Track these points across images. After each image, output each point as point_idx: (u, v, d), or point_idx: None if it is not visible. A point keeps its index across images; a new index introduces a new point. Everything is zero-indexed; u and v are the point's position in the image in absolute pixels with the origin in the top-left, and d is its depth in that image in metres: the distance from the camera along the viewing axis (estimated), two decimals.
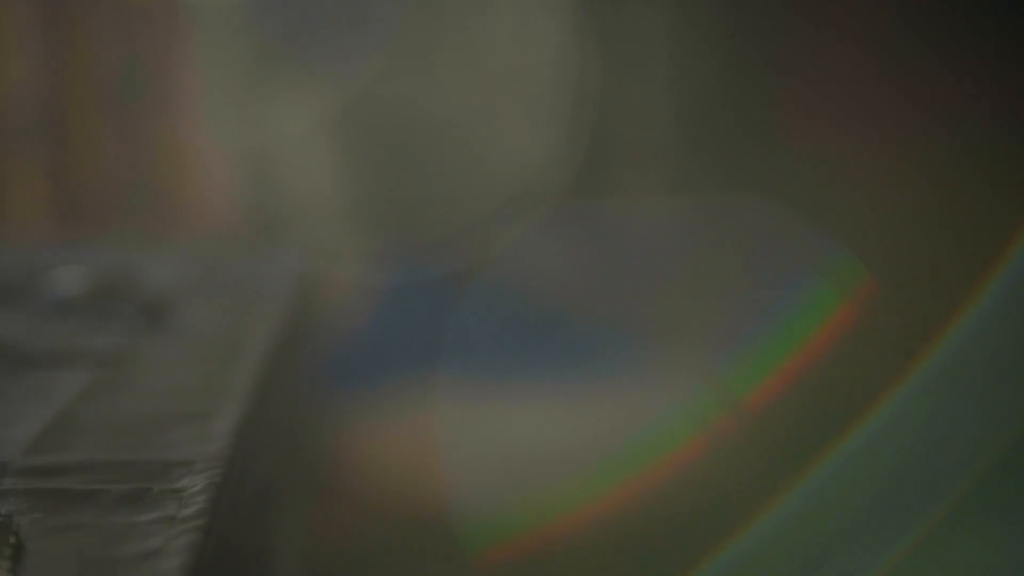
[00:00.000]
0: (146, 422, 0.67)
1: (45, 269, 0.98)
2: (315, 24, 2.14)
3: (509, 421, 1.47)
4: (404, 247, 2.03)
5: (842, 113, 2.01)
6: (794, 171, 1.97)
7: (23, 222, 2.11)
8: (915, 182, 1.77)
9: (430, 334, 1.56)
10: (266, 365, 0.79)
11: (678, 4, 2.13)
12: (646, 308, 1.78)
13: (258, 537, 0.68)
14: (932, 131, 1.88)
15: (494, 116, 2.15)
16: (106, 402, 0.70)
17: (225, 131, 2.16)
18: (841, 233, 1.66)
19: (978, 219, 1.57)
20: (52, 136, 2.14)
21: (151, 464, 0.60)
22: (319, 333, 1.06)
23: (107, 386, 0.74)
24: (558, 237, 2.05)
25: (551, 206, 2.14)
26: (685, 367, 1.38)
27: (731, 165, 2.08)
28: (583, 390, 1.50)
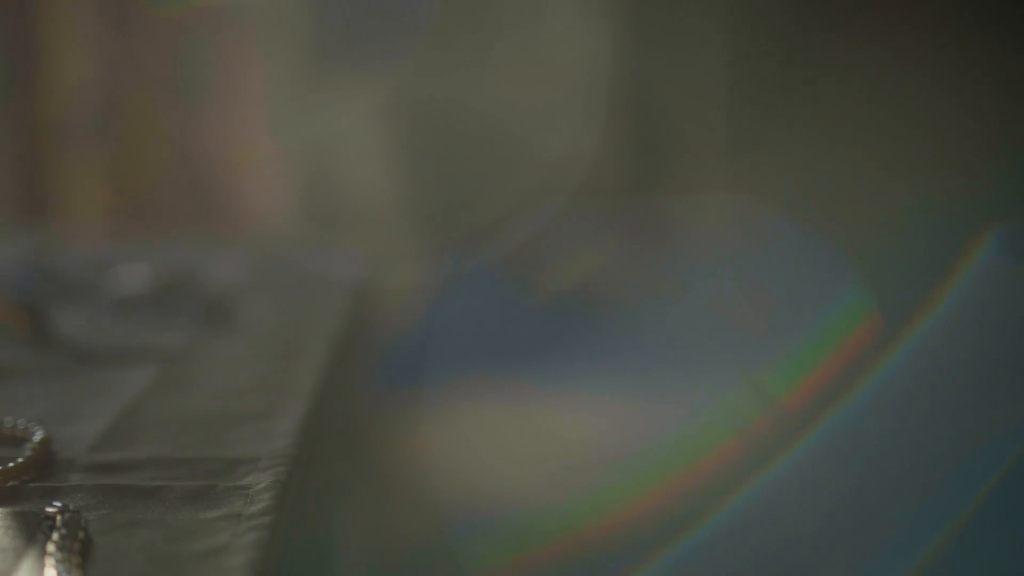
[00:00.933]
0: (210, 420, 0.67)
1: (110, 267, 0.99)
2: (372, 26, 2.15)
3: (551, 421, 1.47)
4: (458, 245, 2.03)
5: (888, 116, 2.00)
6: (843, 170, 1.96)
7: (85, 219, 2.13)
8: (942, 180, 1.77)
9: (482, 332, 1.56)
10: (327, 364, 0.79)
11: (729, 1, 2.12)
12: (689, 305, 1.78)
13: (320, 534, 0.69)
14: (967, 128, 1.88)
15: (546, 114, 2.15)
16: (171, 400, 0.71)
17: (284, 130, 2.17)
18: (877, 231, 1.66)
19: None
20: (114, 135, 2.16)
21: (216, 461, 0.60)
22: (377, 331, 1.06)
23: (171, 384, 0.74)
24: (607, 234, 2.04)
25: (600, 203, 2.13)
26: (724, 366, 1.38)
27: (779, 163, 2.07)
28: (625, 389, 1.50)
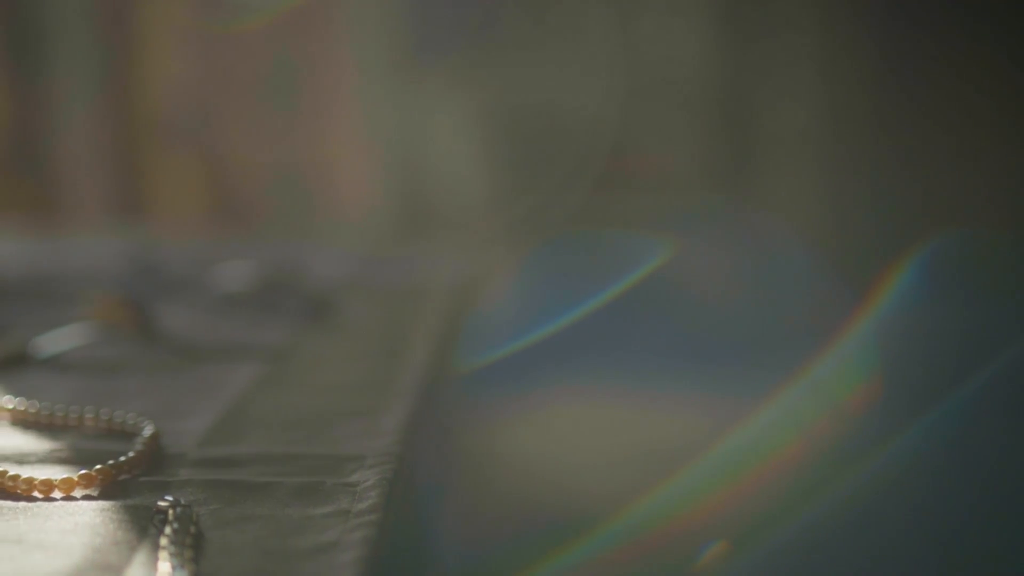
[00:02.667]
0: (315, 417, 0.68)
1: (213, 264, 1.00)
2: (464, 28, 2.16)
3: (637, 419, 1.47)
4: (550, 246, 2.03)
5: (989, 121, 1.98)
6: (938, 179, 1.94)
7: (178, 217, 2.16)
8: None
9: (570, 331, 1.56)
10: (429, 362, 0.79)
11: (823, 6, 2.10)
12: (767, 306, 1.77)
13: (424, 532, 0.69)
14: None
15: (638, 115, 2.14)
16: (276, 396, 0.72)
17: (376, 130, 2.18)
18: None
19: None
20: (206, 134, 2.18)
21: (323, 458, 0.61)
22: (472, 330, 1.06)
23: (276, 381, 0.75)
24: (694, 233, 2.03)
25: (689, 203, 2.12)
26: (789, 369, 1.37)
27: (873, 170, 2.05)
28: (707, 387, 1.50)
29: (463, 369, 1.02)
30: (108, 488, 0.57)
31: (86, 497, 0.56)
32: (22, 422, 0.66)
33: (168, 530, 0.51)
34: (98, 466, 0.57)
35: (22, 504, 0.55)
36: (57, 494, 0.56)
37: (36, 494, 0.56)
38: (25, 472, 0.57)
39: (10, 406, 0.67)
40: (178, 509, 0.53)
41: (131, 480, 0.58)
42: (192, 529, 0.52)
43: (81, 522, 0.53)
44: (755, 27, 2.10)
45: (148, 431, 0.62)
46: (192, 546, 0.51)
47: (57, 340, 0.79)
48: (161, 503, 0.54)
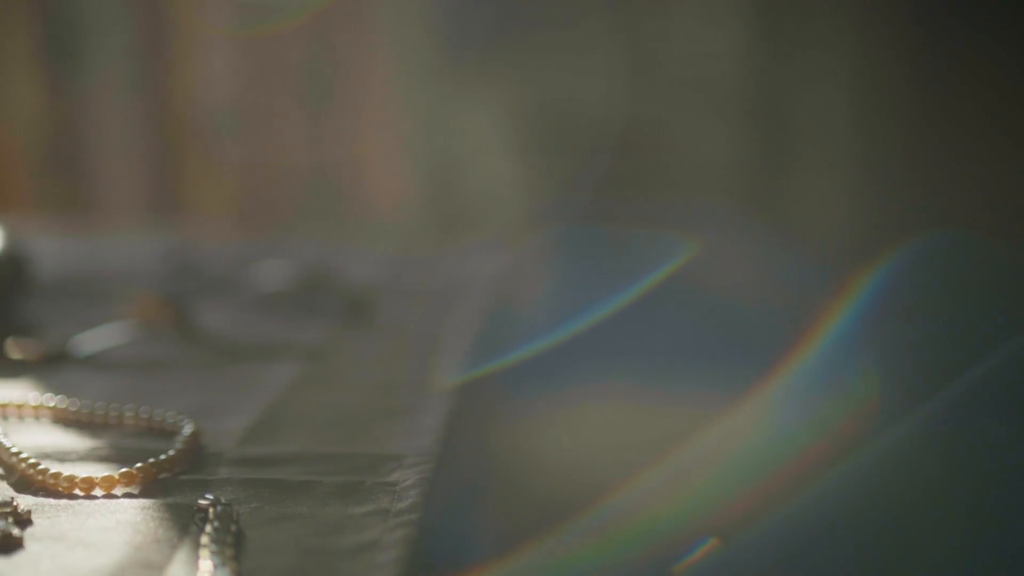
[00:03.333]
0: (354, 416, 0.68)
1: (251, 263, 1.00)
2: (497, 25, 2.15)
3: (671, 419, 1.47)
4: (580, 244, 2.02)
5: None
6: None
7: (213, 216, 2.16)
8: None
9: (606, 331, 1.56)
10: (466, 361, 0.79)
11: (860, 10, 2.10)
12: (803, 308, 1.77)
13: (462, 532, 0.69)
14: None
15: (675, 116, 2.14)
16: (314, 395, 0.72)
17: (409, 129, 2.18)
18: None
19: None
20: (242, 133, 2.19)
21: (362, 457, 0.61)
22: (508, 327, 1.06)
23: (314, 380, 0.75)
24: (730, 234, 2.03)
25: (725, 204, 2.12)
26: (809, 371, 1.37)
27: (911, 175, 2.04)
28: (739, 388, 1.50)
29: (498, 367, 1.02)
30: (149, 486, 0.57)
31: (127, 495, 0.56)
32: (63, 420, 0.67)
33: (209, 528, 0.51)
34: (139, 464, 0.58)
35: (63, 502, 0.56)
36: (98, 492, 0.57)
37: (77, 492, 0.56)
38: (66, 470, 0.58)
39: (51, 404, 0.67)
40: (219, 507, 0.53)
41: (171, 478, 0.58)
42: (233, 528, 0.52)
43: (122, 520, 0.54)
44: (789, 26, 2.09)
45: (188, 429, 0.62)
46: (233, 544, 0.51)
47: (96, 338, 0.80)
48: (202, 501, 0.54)
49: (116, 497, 0.56)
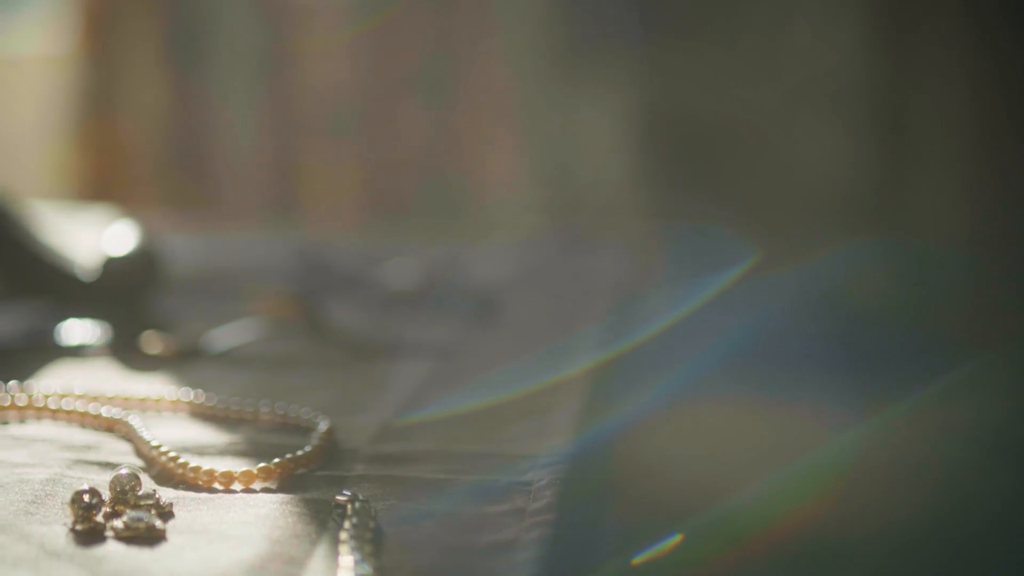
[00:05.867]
0: (486, 415, 0.68)
1: (379, 262, 1.01)
2: (617, 25, 2.15)
3: (785, 427, 1.46)
4: (704, 248, 2.01)
5: None
6: None
7: (334, 214, 2.18)
8: None
9: (726, 336, 1.55)
10: (596, 362, 0.79)
11: (980, 9, 2.06)
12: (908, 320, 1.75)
13: (594, 532, 0.69)
14: None
15: (789, 120, 2.12)
16: (446, 394, 0.72)
17: (527, 128, 2.18)
18: None
19: None
20: (362, 132, 2.20)
21: (496, 456, 0.61)
22: (632, 325, 1.06)
23: (445, 378, 0.75)
24: (846, 242, 2.01)
25: (847, 213, 2.09)
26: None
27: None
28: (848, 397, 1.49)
29: (623, 366, 1.01)
30: (286, 481, 0.58)
31: (265, 490, 0.57)
32: (200, 415, 0.68)
33: (347, 524, 0.52)
34: (276, 460, 0.58)
35: (203, 495, 0.56)
36: (237, 486, 0.57)
37: (217, 486, 0.57)
38: (205, 464, 0.58)
39: (188, 399, 0.68)
40: (357, 504, 0.53)
41: (308, 474, 0.59)
42: (371, 524, 0.52)
43: (261, 514, 0.54)
44: (908, 26, 2.06)
45: (323, 426, 0.63)
46: (372, 541, 0.51)
47: (229, 335, 0.81)
48: (339, 497, 0.54)
49: (254, 492, 0.57)
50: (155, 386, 0.72)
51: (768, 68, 2.11)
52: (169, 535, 0.52)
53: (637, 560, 0.50)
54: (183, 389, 0.70)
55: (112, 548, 0.51)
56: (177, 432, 0.65)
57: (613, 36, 2.14)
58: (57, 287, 0.90)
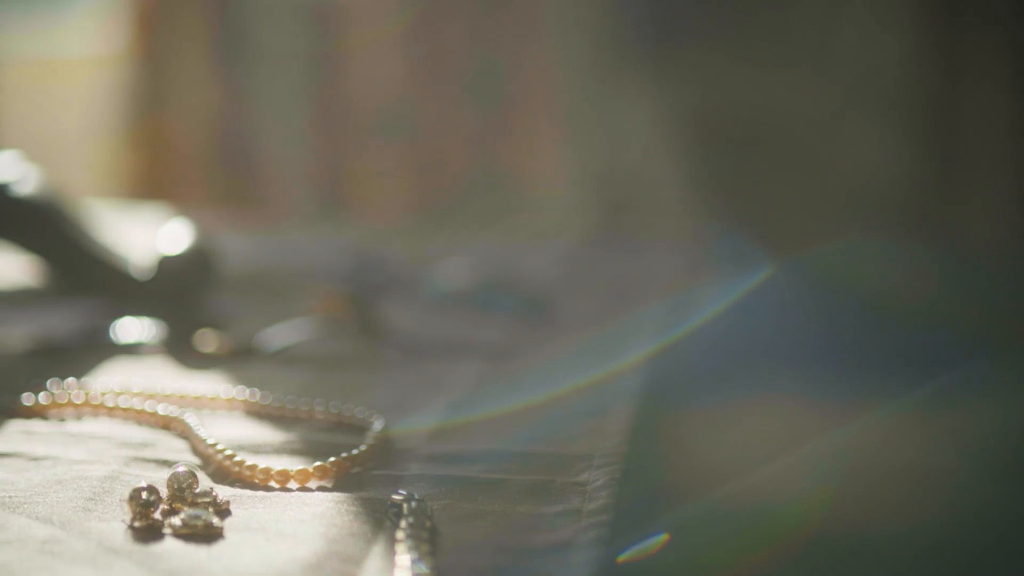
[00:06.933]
0: (540, 415, 0.68)
1: (430, 262, 1.01)
2: (665, 26, 2.14)
3: (838, 432, 1.46)
4: (749, 250, 2.00)
5: None
6: None
7: (382, 214, 2.19)
8: None
9: (767, 338, 1.54)
10: (648, 363, 0.79)
11: (1020, 16, 2.04)
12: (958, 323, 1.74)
13: (648, 533, 0.69)
14: None
15: (840, 123, 2.11)
16: (499, 394, 0.72)
17: (576, 128, 2.18)
18: None
19: None
20: (410, 133, 2.21)
21: (551, 457, 0.61)
22: (685, 325, 1.06)
23: (499, 378, 0.75)
24: (897, 243, 2.00)
25: (895, 217, 2.08)
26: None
27: None
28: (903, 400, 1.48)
29: (676, 364, 1.01)
30: (342, 480, 0.58)
31: (321, 488, 0.57)
32: (255, 413, 0.68)
33: (404, 524, 0.52)
34: (332, 458, 0.58)
35: (259, 493, 0.57)
36: (293, 484, 0.57)
37: (273, 484, 0.57)
38: (261, 462, 0.58)
39: (243, 397, 0.69)
40: (413, 503, 0.53)
41: (363, 473, 0.59)
42: (427, 524, 0.52)
43: (317, 513, 0.54)
44: (958, 28, 2.05)
45: (379, 425, 0.63)
46: (428, 540, 0.51)
47: (283, 334, 0.81)
48: (395, 496, 0.54)
49: (310, 490, 0.57)
50: (210, 384, 0.73)
51: (817, 69, 2.10)
52: (226, 533, 0.52)
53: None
54: (238, 387, 0.70)
55: (170, 545, 0.51)
56: (233, 430, 0.65)
57: (661, 36, 2.13)
58: (112, 285, 0.90)
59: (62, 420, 0.66)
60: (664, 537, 0.52)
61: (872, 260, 1.89)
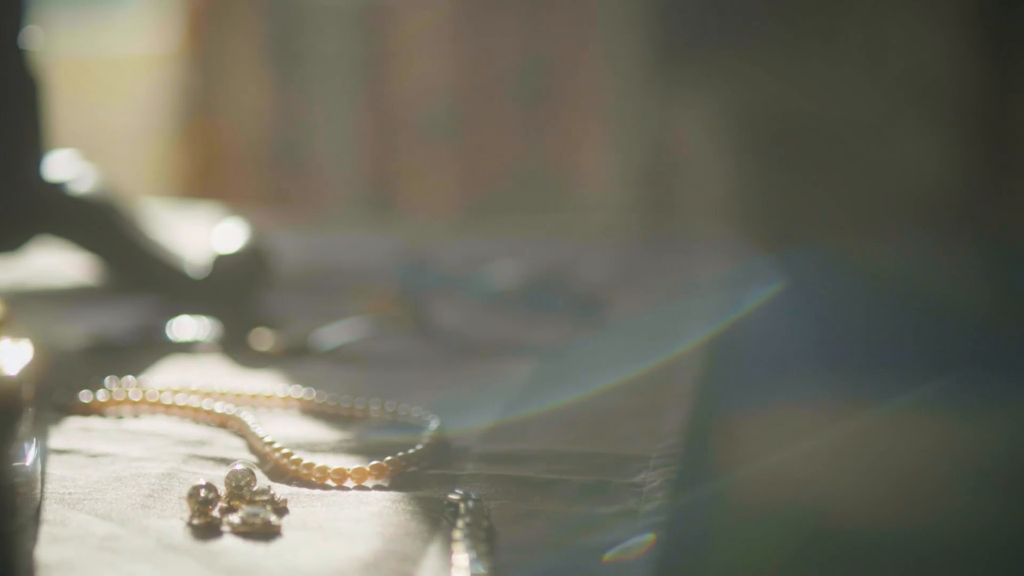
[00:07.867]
0: (594, 415, 0.68)
1: (483, 262, 1.01)
2: (713, 26, 2.14)
3: (887, 436, 1.45)
4: (793, 251, 2.00)
5: None
6: None
7: (431, 214, 2.19)
8: None
9: (814, 341, 1.54)
10: (703, 364, 0.79)
11: None
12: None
13: (702, 535, 0.69)
14: None
15: (891, 123, 2.10)
16: (554, 393, 0.72)
17: (623, 128, 2.18)
18: None
19: None
20: (458, 133, 2.21)
21: (607, 457, 0.61)
22: (735, 329, 1.05)
23: (552, 378, 0.75)
24: (946, 245, 1.98)
25: (944, 218, 2.07)
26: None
27: None
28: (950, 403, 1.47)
29: (730, 369, 1.01)
30: (398, 479, 0.58)
31: (377, 487, 0.57)
32: (310, 411, 0.68)
33: (461, 523, 0.52)
34: (388, 457, 0.59)
35: (316, 492, 0.57)
36: (350, 483, 0.58)
37: (330, 482, 0.58)
38: (317, 461, 0.59)
39: (299, 395, 0.69)
40: (470, 503, 0.53)
41: (419, 472, 0.59)
42: (484, 523, 0.52)
43: (374, 511, 0.54)
44: (1010, 29, 2.03)
45: (434, 425, 0.63)
46: (485, 540, 0.51)
47: (337, 332, 0.81)
48: (452, 496, 0.54)
49: (367, 489, 0.57)
50: (266, 383, 0.73)
51: (867, 70, 2.09)
52: (284, 531, 0.52)
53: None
54: (294, 386, 0.70)
55: (228, 543, 0.51)
56: (289, 428, 0.65)
57: (710, 37, 2.13)
58: (168, 284, 0.91)
59: (120, 417, 0.67)
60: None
61: (922, 261, 1.88)
